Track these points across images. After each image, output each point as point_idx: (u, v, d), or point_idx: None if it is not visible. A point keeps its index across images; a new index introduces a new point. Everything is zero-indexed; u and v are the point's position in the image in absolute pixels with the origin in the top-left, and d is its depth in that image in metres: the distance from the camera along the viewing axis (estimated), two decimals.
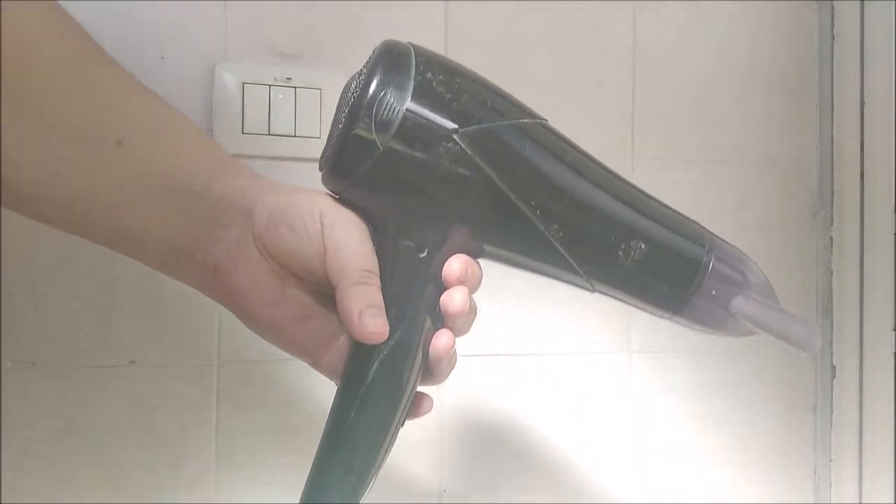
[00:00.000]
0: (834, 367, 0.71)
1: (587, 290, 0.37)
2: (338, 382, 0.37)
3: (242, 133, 0.56)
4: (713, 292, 0.36)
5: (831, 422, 0.72)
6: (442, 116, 0.32)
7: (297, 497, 0.36)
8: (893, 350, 0.65)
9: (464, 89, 0.33)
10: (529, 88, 0.69)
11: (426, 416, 0.63)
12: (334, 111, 0.37)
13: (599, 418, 0.67)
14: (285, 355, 0.58)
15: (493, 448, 0.64)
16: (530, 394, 0.65)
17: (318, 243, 0.34)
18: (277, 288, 0.35)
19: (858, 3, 0.69)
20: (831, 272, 0.72)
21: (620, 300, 0.37)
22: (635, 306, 0.38)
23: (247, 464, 0.57)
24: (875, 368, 0.67)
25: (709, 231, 0.38)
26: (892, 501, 0.65)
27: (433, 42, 0.61)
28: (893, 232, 0.66)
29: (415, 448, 0.61)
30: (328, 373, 0.37)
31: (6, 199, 0.32)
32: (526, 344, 0.65)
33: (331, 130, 0.36)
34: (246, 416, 0.57)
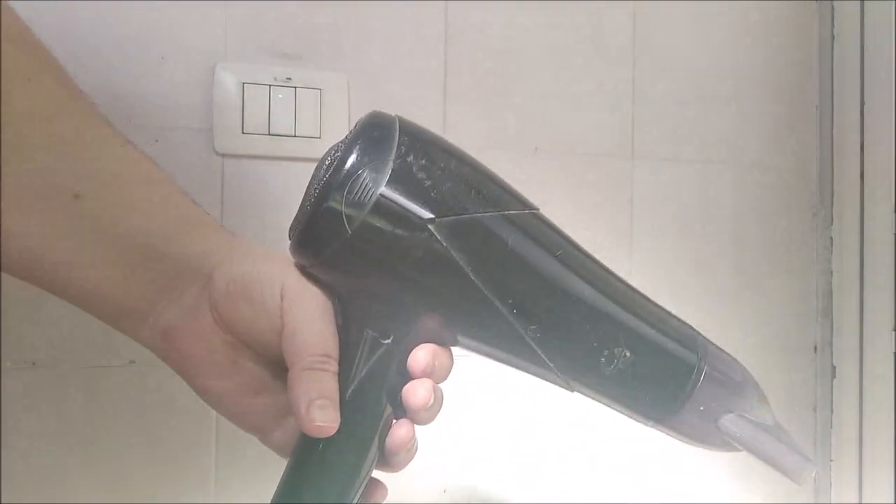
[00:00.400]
0: (834, 367, 0.71)
1: (565, 389, 0.35)
2: (287, 459, 0.35)
3: (242, 133, 0.56)
4: (701, 408, 0.34)
5: (831, 422, 0.72)
6: (418, 204, 0.30)
7: None
8: (893, 350, 0.65)
9: (447, 175, 0.31)
10: (530, 88, 0.69)
11: None
12: (310, 179, 0.35)
13: (599, 418, 0.67)
14: None
15: (493, 447, 0.64)
16: (530, 393, 0.65)
17: (275, 319, 0.32)
18: (230, 359, 0.33)
19: (858, 3, 0.69)
20: (831, 272, 0.72)
21: (600, 403, 0.35)
22: (616, 410, 0.35)
23: (247, 464, 0.57)
24: (875, 368, 0.67)
25: (701, 335, 0.35)
26: (892, 501, 0.65)
27: (433, 42, 0.61)
28: (893, 232, 0.66)
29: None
30: (277, 450, 0.36)
31: None
32: None
33: (303, 199, 0.34)
34: None
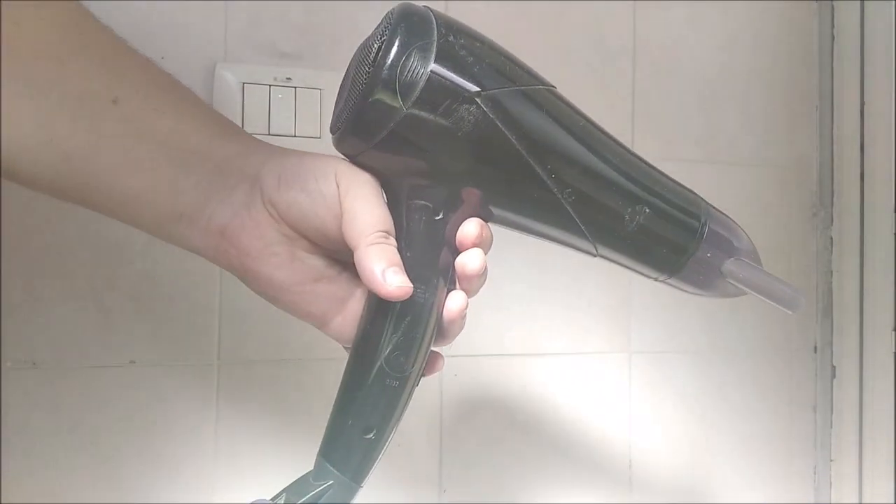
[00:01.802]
0: (834, 367, 0.71)
1: (589, 253, 0.38)
2: (345, 345, 0.37)
3: None
4: (708, 255, 0.38)
5: (831, 422, 0.72)
6: (465, 79, 0.32)
7: None
8: (893, 350, 0.65)
9: (484, 53, 0.34)
10: None
11: (426, 416, 0.63)
12: (345, 73, 0.37)
13: (599, 418, 0.67)
14: (285, 355, 0.58)
15: (493, 448, 0.64)
16: (530, 394, 0.65)
17: (333, 205, 0.34)
18: (287, 251, 0.35)
19: (858, 3, 0.69)
20: (831, 272, 0.72)
21: (620, 264, 0.39)
22: (634, 269, 0.39)
23: (247, 464, 0.57)
24: (875, 368, 0.67)
25: (704, 199, 0.40)
26: (892, 501, 0.65)
27: None
28: (893, 232, 0.66)
29: (415, 447, 0.61)
30: (336, 335, 0.37)
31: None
32: (526, 344, 0.65)
33: (344, 93, 0.35)
34: (246, 416, 0.57)
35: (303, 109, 0.57)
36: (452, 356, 0.61)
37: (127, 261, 0.55)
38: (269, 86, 0.56)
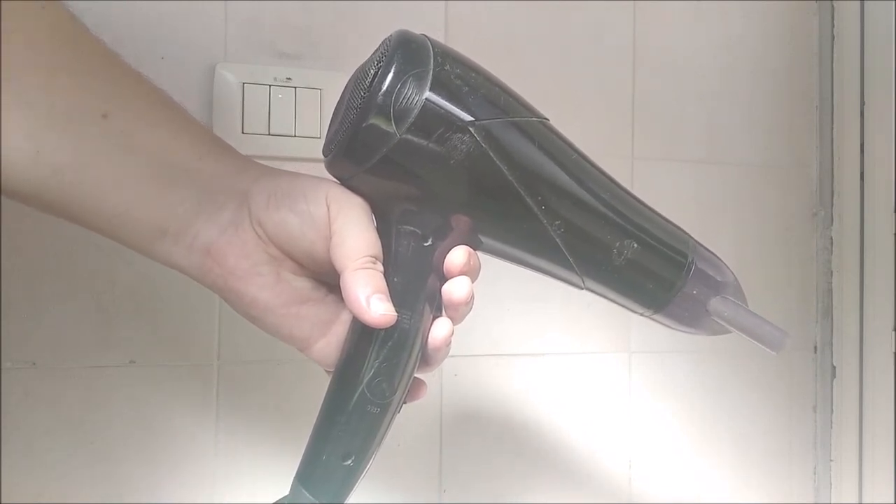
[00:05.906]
0: (834, 367, 0.71)
1: (577, 286, 0.38)
2: (328, 369, 0.37)
3: (242, 133, 0.56)
4: (694, 292, 0.38)
5: (831, 422, 0.72)
6: (459, 108, 0.32)
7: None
8: (893, 350, 0.65)
9: (478, 84, 0.34)
10: (529, 88, 0.69)
11: (426, 416, 0.63)
12: (340, 96, 0.37)
13: (599, 418, 0.67)
14: (285, 356, 0.58)
15: (493, 448, 0.64)
16: (530, 394, 0.65)
17: (322, 228, 0.34)
18: (273, 271, 0.35)
19: (858, 3, 0.69)
20: (831, 272, 0.72)
21: (607, 297, 0.39)
22: (620, 304, 0.39)
23: (246, 464, 0.57)
24: (875, 368, 0.67)
25: (691, 236, 0.40)
26: (892, 501, 0.65)
27: None
28: (893, 232, 0.66)
29: (415, 448, 0.61)
30: (319, 359, 0.37)
31: None
32: (526, 344, 0.65)
33: (339, 116, 0.35)
34: (246, 416, 0.57)
35: (303, 109, 0.57)
36: (452, 356, 0.61)
37: (127, 261, 0.55)
38: (269, 86, 0.56)
